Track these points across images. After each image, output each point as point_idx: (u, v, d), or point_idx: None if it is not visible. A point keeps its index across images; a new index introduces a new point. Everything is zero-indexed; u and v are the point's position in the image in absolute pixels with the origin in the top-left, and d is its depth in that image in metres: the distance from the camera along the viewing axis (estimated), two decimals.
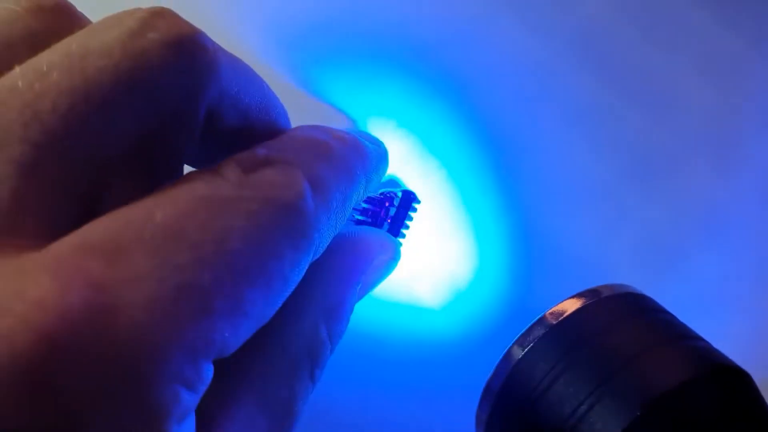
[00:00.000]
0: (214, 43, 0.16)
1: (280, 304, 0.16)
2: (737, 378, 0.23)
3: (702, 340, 0.24)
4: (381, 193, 0.31)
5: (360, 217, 0.30)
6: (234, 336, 0.15)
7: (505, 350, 0.25)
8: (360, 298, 0.22)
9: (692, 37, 0.33)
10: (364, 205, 0.31)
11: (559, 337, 0.24)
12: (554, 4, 0.32)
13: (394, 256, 0.24)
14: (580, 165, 0.33)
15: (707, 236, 0.33)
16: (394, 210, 0.31)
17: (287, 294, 0.16)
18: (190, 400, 0.14)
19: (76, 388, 0.12)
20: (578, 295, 0.24)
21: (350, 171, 0.19)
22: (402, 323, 0.33)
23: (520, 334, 0.25)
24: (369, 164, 0.21)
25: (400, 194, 0.31)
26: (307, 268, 0.17)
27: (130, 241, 0.13)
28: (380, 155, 0.23)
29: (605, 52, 0.33)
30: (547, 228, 0.33)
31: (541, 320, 0.25)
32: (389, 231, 0.31)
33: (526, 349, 0.24)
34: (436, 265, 0.33)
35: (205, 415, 0.16)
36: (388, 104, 0.33)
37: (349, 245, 0.22)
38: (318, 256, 0.18)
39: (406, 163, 0.33)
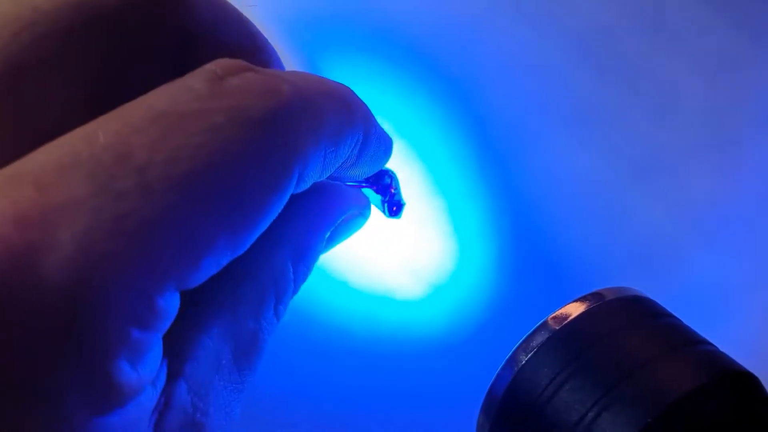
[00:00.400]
0: None
1: (252, 239, 0.14)
2: (747, 382, 0.22)
3: (709, 344, 0.24)
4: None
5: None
6: (195, 271, 0.13)
7: (508, 356, 0.24)
8: (327, 249, 0.21)
9: (692, 37, 0.32)
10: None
11: (564, 343, 0.23)
12: (552, 4, 0.32)
13: (365, 213, 0.23)
14: (565, 162, 0.33)
15: (706, 236, 0.33)
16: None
17: (261, 229, 0.14)
18: (145, 338, 0.13)
19: (2, 338, 0.11)
20: (581, 299, 0.24)
21: (349, 109, 0.17)
22: (384, 316, 0.33)
23: (522, 339, 0.24)
24: (371, 117, 0.19)
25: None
26: (285, 202, 0.15)
27: (67, 165, 0.12)
28: (386, 135, 0.22)
29: (603, 52, 0.32)
30: (531, 222, 0.33)
31: (544, 325, 0.24)
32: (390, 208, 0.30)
33: (530, 355, 0.24)
34: (418, 258, 0.32)
35: (173, 342, 0.15)
36: (374, 101, 0.32)
37: (325, 191, 0.21)
38: (299, 190, 0.16)
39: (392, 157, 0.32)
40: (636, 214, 0.33)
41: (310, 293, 0.33)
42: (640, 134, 0.33)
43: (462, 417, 0.28)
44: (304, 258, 0.18)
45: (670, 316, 0.24)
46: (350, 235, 0.23)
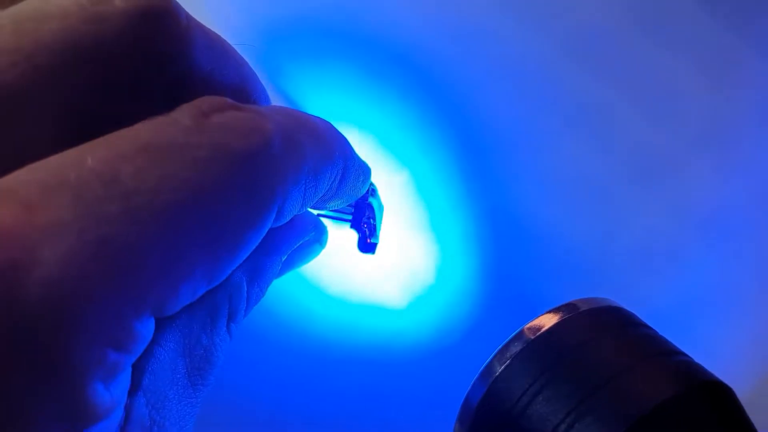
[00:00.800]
0: (189, 17, 0.15)
1: (229, 270, 0.15)
2: (720, 393, 0.22)
3: (684, 355, 0.24)
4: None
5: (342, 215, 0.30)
6: (173, 298, 0.13)
7: (483, 366, 0.24)
8: (282, 273, 0.21)
9: (692, 37, 0.32)
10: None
11: (538, 353, 0.23)
12: (550, 3, 0.32)
13: (322, 240, 0.23)
14: (548, 170, 0.33)
15: (706, 237, 0.33)
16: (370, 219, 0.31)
17: (238, 261, 0.15)
18: (121, 359, 0.13)
19: None
20: (555, 310, 0.24)
21: (329, 145, 0.17)
22: (367, 323, 0.32)
23: (497, 349, 0.24)
24: (350, 151, 0.19)
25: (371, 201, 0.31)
26: (263, 235, 0.15)
27: (54, 186, 0.12)
28: (364, 165, 0.22)
29: (601, 51, 0.33)
30: (514, 230, 0.33)
31: (519, 335, 0.24)
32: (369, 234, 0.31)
33: (504, 366, 0.24)
34: (400, 265, 0.32)
35: (139, 359, 0.15)
36: (354, 105, 0.33)
37: None
38: (278, 224, 0.16)
39: (371, 162, 0.32)
40: (623, 220, 0.33)
41: (292, 301, 0.33)
42: (633, 137, 0.33)
43: (441, 426, 0.28)
44: (258, 279, 0.19)
45: (645, 326, 0.24)
46: (307, 261, 0.23)
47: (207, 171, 0.13)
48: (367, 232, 0.30)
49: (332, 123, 0.19)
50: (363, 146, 0.32)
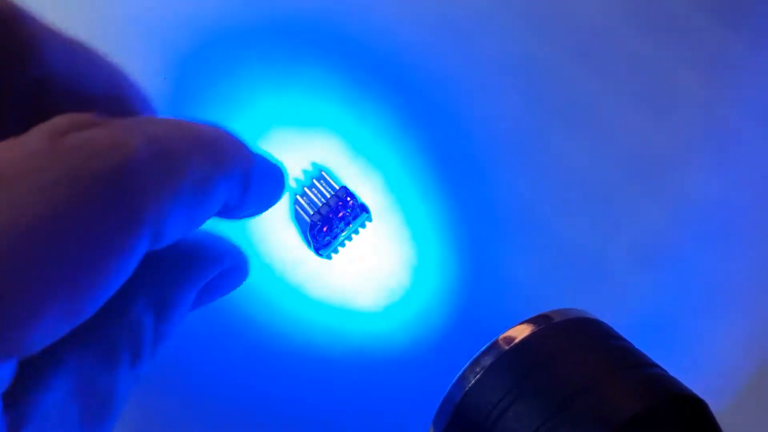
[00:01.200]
0: (38, 22, 0.14)
1: (97, 305, 0.13)
2: (693, 406, 0.22)
3: (658, 367, 0.23)
4: (339, 198, 0.31)
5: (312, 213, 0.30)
6: (26, 341, 0.12)
7: (456, 377, 0.24)
8: (199, 306, 0.20)
9: (692, 37, 0.32)
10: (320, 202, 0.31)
11: (510, 365, 0.23)
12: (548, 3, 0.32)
13: (242, 269, 0.21)
14: (528, 166, 0.32)
15: (705, 237, 0.33)
16: (344, 222, 0.31)
17: (107, 294, 0.13)
18: None
19: None
20: (529, 321, 0.24)
21: (220, 153, 0.16)
22: (343, 327, 0.32)
23: (470, 360, 0.24)
24: (252, 155, 0.17)
25: (353, 205, 0.31)
26: (136, 264, 0.14)
27: None
28: (274, 167, 0.20)
29: (600, 51, 0.32)
30: (490, 236, 0.33)
31: (492, 346, 0.24)
32: (330, 239, 0.31)
33: (477, 377, 0.23)
34: (376, 270, 0.32)
35: (17, 401, 0.14)
36: (331, 108, 0.32)
37: (194, 243, 0.19)
38: (160, 246, 0.15)
39: (346, 168, 0.32)
40: (613, 222, 0.33)
41: (267, 304, 0.33)
42: (630, 138, 0.32)
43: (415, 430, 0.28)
44: (167, 314, 0.17)
45: (619, 338, 0.24)
46: (227, 292, 0.21)
47: (58, 197, 0.12)
48: (319, 242, 0.31)
49: (224, 130, 0.17)
50: (340, 150, 0.32)
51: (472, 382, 0.23)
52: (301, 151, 0.32)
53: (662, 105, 0.32)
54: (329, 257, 0.32)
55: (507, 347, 0.23)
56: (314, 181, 0.32)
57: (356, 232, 0.32)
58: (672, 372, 0.24)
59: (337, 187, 0.31)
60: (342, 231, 0.32)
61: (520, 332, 0.23)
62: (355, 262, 0.32)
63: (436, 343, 0.32)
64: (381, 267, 0.32)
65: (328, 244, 0.32)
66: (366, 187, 0.32)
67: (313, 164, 0.32)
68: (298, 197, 0.32)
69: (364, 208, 0.32)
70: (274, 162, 0.20)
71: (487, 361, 0.23)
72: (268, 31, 0.32)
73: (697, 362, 0.31)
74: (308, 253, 0.32)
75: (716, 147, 0.32)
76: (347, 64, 0.32)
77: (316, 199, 0.32)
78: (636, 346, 0.24)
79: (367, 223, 0.32)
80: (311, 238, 0.31)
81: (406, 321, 0.32)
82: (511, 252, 0.32)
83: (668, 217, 0.32)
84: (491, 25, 0.32)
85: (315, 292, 0.33)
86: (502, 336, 0.24)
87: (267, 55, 0.32)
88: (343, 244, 0.32)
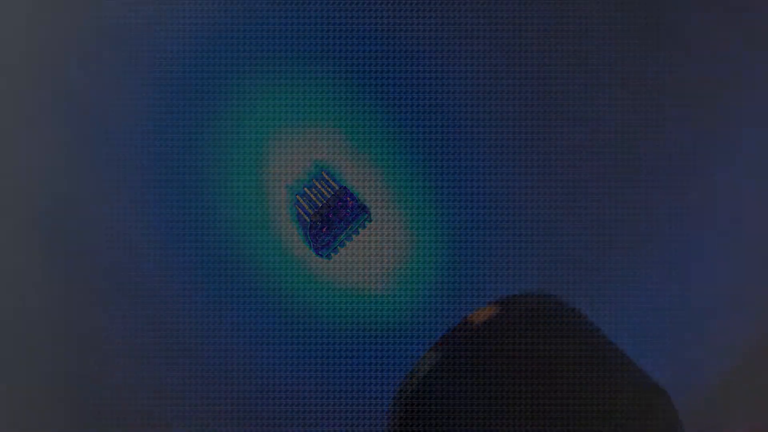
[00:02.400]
0: None
1: None
2: (656, 397, 0.22)
3: (624, 357, 0.23)
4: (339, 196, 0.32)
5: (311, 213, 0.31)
6: None
7: (419, 359, 0.24)
8: None
9: (691, 37, 0.32)
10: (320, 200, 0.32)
11: (473, 348, 0.23)
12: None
13: None
14: (522, 162, 0.33)
15: (704, 236, 0.32)
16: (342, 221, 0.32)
17: None
18: None
19: None
20: (494, 303, 0.23)
21: None
22: (343, 327, 0.32)
23: (436, 340, 0.24)
24: None
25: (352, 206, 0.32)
26: None
27: None
28: None
29: (600, 51, 0.33)
30: (482, 218, 0.33)
31: (457, 328, 0.24)
32: (328, 240, 0.32)
33: (437, 358, 0.23)
34: (376, 270, 0.32)
35: None
36: (330, 111, 0.33)
37: None
38: None
39: (346, 168, 0.33)
40: (602, 222, 0.32)
41: (268, 304, 0.33)
42: (630, 137, 0.32)
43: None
44: None
45: (587, 323, 0.24)
46: None
47: None
48: (317, 238, 0.31)
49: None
50: (340, 150, 0.33)
51: (433, 362, 0.23)
52: (301, 151, 0.33)
53: (662, 105, 0.32)
54: (329, 257, 0.33)
55: (472, 329, 0.23)
56: (314, 181, 0.33)
57: (356, 232, 0.32)
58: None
59: (337, 187, 0.32)
60: (341, 231, 0.32)
61: (485, 314, 0.23)
62: (354, 262, 0.33)
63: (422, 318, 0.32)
64: (380, 267, 0.33)
65: (327, 244, 0.32)
66: (366, 187, 0.33)
67: (314, 164, 0.33)
68: (298, 197, 0.33)
69: (363, 209, 0.32)
70: None
71: (452, 341, 0.23)
72: (268, 32, 0.33)
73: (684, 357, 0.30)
74: (308, 253, 0.33)
75: (716, 147, 0.32)
76: (347, 65, 0.33)
77: (315, 199, 0.32)
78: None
79: (366, 223, 0.32)
80: (311, 237, 0.32)
81: (405, 320, 0.32)
82: (512, 252, 0.32)
83: (668, 217, 0.32)
84: (491, 25, 0.33)
85: (315, 291, 0.33)
86: (467, 318, 0.24)
87: (267, 55, 0.33)
88: (342, 244, 0.32)
